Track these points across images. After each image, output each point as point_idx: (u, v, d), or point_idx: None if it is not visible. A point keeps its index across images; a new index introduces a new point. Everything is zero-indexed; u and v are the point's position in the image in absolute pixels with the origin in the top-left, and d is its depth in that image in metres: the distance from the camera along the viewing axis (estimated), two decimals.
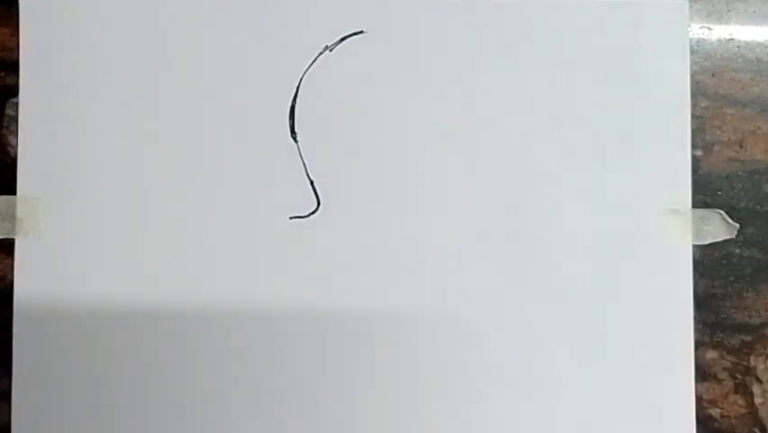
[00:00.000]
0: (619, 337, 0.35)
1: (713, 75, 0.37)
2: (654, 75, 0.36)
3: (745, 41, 0.37)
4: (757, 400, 0.36)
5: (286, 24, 0.36)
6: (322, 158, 0.36)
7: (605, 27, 0.36)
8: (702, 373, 0.36)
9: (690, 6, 0.36)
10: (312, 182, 0.36)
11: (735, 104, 0.36)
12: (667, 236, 0.36)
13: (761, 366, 0.36)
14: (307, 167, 0.36)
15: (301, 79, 0.36)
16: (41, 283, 0.35)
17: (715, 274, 0.36)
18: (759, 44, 0.37)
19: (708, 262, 0.36)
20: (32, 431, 0.35)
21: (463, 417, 0.36)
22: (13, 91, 0.36)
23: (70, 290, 0.35)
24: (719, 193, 0.36)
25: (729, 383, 0.36)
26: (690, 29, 0.36)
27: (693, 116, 0.36)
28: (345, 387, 0.35)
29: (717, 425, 0.36)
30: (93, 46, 0.36)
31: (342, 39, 0.36)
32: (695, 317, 0.36)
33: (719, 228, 0.36)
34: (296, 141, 0.36)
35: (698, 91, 0.36)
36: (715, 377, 0.36)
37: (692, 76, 0.36)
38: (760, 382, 0.36)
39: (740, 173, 0.36)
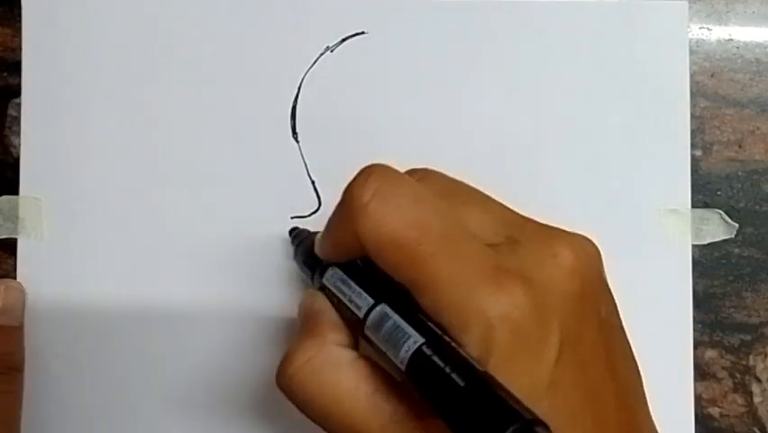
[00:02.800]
0: None
1: (712, 75, 0.37)
2: (654, 75, 0.36)
3: (744, 42, 0.37)
4: (756, 400, 0.36)
5: (287, 25, 0.36)
6: (323, 158, 0.36)
7: (605, 27, 0.36)
8: (701, 373, 0.36)
9: (690, 7, 0.36)
10: (313, 182, 0.36)
11: (734, 104, 0.36)
12: (667, 236, 0.36)
13: (760, 365, 0.36)
14: (309, 167, 0.36)
15: (302, 80, 0.36)
16: (43, 283, 0.35)
17: (714, 274, 0.36)
18: (758, 45, 0.37)
19: (707, 261, 0.36)
20: (34, 431, 0.35)
21: None
22: (16, 92, 0.36)
23: (72, 289, 0.35)
24: (719, 193, 0.36)
25: (728, 383, 0.36)
26: (689, 29, 0.36)
27: (693, 116, 0.36)
28: None
29: (716, 424, 0.36)
30: (94, 47, 0.36)
31: (343, 39, 0.36)
32: (694, 317, 0.36)
33: (718, 228, 0.36)
34: (297, 141, 0.36)
35: (697, 91, 0.36)
36: (714, 376, 0.36)
37: (692, 76, 0.36)
38: (759, 381, 0.36)
39: (739, 173, 0.36)
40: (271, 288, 0.36)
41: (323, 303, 0.28)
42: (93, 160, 0.36)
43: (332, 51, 0.36)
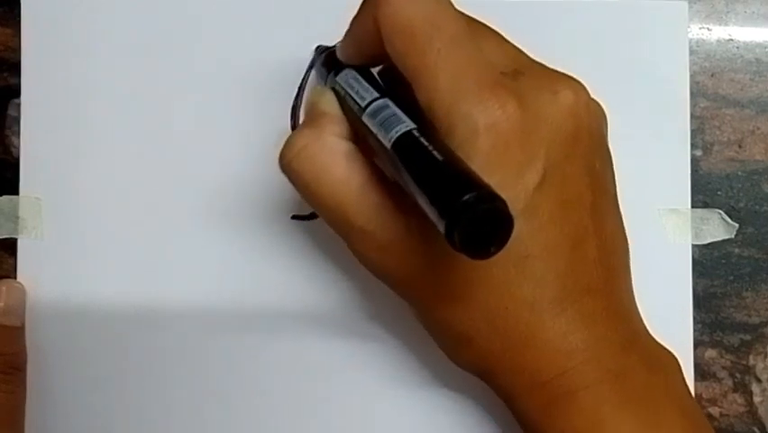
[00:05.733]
0: None
1: (712, 75, 0.37)
2: (654, 75, 0.36)
3: (744, 42, 0.37)
4: (756, 399, 0.36)
5: (287, 25, 0.36)
6: None
7: (605, 27, 0.36)
8: (702, 373, 0.36)
9: (690, 7, 0.36)
10: None
11: (734, 104, 0.37)
12: (667, 236, 0.36)
13: (760, 365, 0.36)
14: None
15: (302, 80, 0.36)
16: (43, 283, 0.35)
17: (714, 274, 0.36)
18: (758, 45, 0.37)
19: (707, 261, 0.36)
20: (36, 430, 0.35)
21: (470, 411, 0.36)
22: (16, 92, 0.36)
23: (73, 289, 0.35)
24: (719, 193, 0.36)
25: (728, 382, 0.36)
26: (689, 30, 0.36)
27: (693, 117, 0.36)
28: (347, 386, 0.36)
29: (716, 424, 0.36)
30: (94, 47, 0.36)
31: None
32: (694, 317, 0.36)
33: (719, 228, 0.36)
34: None
35: (697, 91, 0.36)
36: (714, 376, 0.36)
37: (692, 76, 0.36)
38: (759, 381, 0.36)
39: (739, 173, 0.36)
40: (272, 287, 0.36)
41: (328, 98, 0.29)
42: (93, 160, 0.36)
43: None
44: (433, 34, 0.26)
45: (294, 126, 0.36)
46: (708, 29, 0.37)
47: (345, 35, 0.29)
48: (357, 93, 0.28)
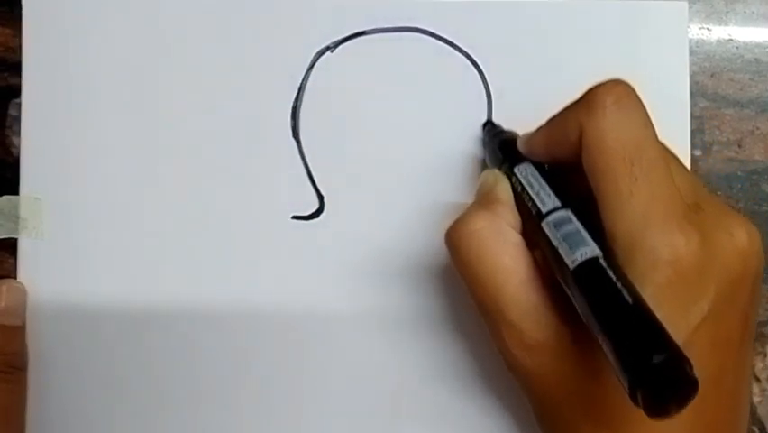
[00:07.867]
0: None
1: (712, 75, 0.37)
2: (654, 75, 0.36)
3: (743, 42, 0.37)
4: (756, 399, 0.36)
5: (287, 25, 0.36)
6: (323, 158, 0.36)
7: (605, 27, 0.36)
8: None
9: (690, 7, 0.36)
10: (314, 182, 0.36)
11: (734, 104, 0.37)
12: None
13: (759, 365, 0.36)
14: (309, 167, 0.36)
15: (303, 80, 0.36)
16: (44, 282, 0.35)
17: None
18: (758, 45, 0.37)
19: None
20: (37, 429, 0.35)
21: (469, 412, 0.36)
22: (16, 92, 0.36)
23: (73, 288, 0.35)
24: (719, 193, 0.36)
25: None
26: (689, 30, 0.36)
27: (692, 117, 0.36)
28: (346, 385, 0.36)
29: None
30: (95, 47, 0.36)
31: (344, 39, 0.36)
32: None
33: None
34: (297, 141, 0.36)
35: (697, 91, 0.36)
36: None
37: (691, 76, 0.36)
38: (758, 380, 0.36)
39: (739, 173, 0.36)
40: (272, 287, 0.36)
41: (505, 186, 0.30)
42: (93, 159, 0.36)
43: (332, 51, 0.36)
44: (634, 160, 0.26)
45: (294, 127, 0.36)
46: (708, 29, 0.37)
47: (538, 131, 0.30)
48: (537, 194, 0.28)
